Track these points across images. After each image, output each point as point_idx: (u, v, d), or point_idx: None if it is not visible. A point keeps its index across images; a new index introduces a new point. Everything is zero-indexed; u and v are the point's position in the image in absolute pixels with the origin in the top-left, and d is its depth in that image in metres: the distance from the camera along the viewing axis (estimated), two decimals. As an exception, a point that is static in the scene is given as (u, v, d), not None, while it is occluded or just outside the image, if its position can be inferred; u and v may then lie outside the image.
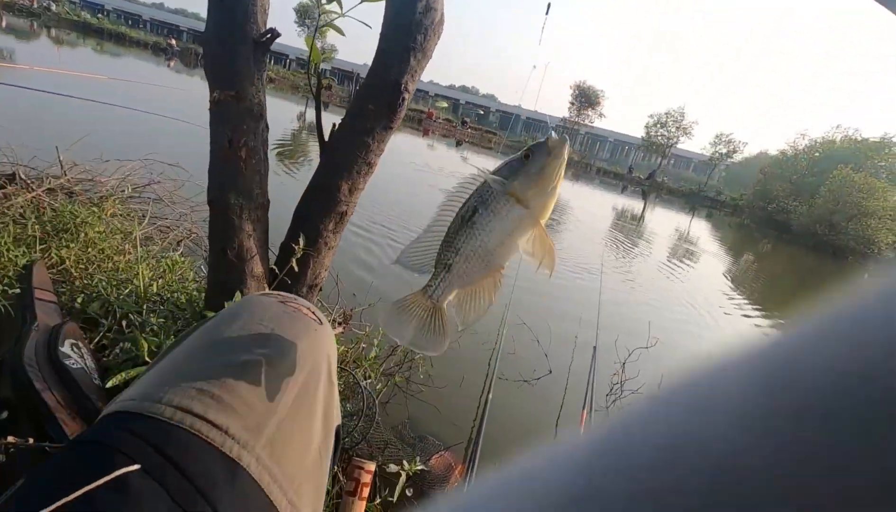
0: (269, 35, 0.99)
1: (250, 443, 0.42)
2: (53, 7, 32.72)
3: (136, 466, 0.37)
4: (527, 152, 0.42)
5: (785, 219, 24.58)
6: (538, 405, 2.43)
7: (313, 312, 0.60)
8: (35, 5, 32.20)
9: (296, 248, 1.02)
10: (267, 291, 0.61)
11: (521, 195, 0.42)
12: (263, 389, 0.46)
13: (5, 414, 0.90)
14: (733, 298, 6.20)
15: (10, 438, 0.85)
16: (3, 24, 19.99)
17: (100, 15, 38.55)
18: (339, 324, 1.67)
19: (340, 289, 2.23)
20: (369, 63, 1.06)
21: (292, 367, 0.50)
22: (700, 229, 15.52)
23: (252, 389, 0.46)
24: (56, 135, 3.18)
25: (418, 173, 9.50)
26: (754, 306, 6.03)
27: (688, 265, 8.02)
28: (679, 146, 35.41)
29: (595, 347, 2.53)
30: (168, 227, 2.66)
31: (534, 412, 2.37)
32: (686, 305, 5.28)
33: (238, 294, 0.95)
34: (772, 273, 10.77)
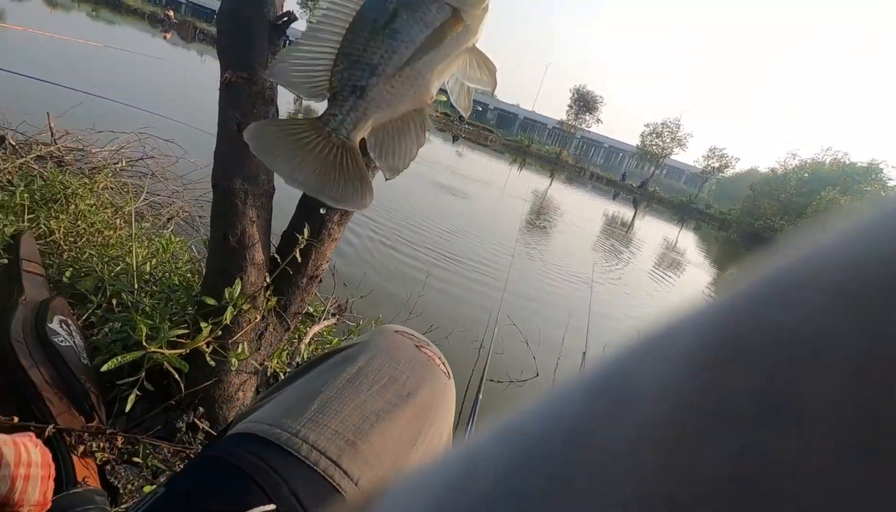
0: (286, 18, 0.97)
1: None
2: (49, -32, 31.82)
3: (271, 507, 0.36)
4: None
5: (771, 236, 24.98)
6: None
7: (443, 363, 0.58)
8: (29, -36, 31.30)
9: (300, 237, 1.00)
10: (399, 328, 0.59)
11: (457, 1, 0.31)
12: (395, 441, 0.45)
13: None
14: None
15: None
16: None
17: (97, -20, 37.54)
18: (333, 315, 1.65)
19: (336, 280, 2.20)
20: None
21: (423, 421, 0.49)
22: (688, 241, 15.72)
23: (384, 441, 0.44)
24: (48, 101, 3.09)
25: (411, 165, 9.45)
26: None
27: (674, 276, 8.12)
28: (673, 157, 35.74)
29: (584, 353, 2.54)
30: (160, 204, 2.61)
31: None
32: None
33: (238, 283, 0.93)
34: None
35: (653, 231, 14.55)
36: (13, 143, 2.48)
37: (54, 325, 1.00)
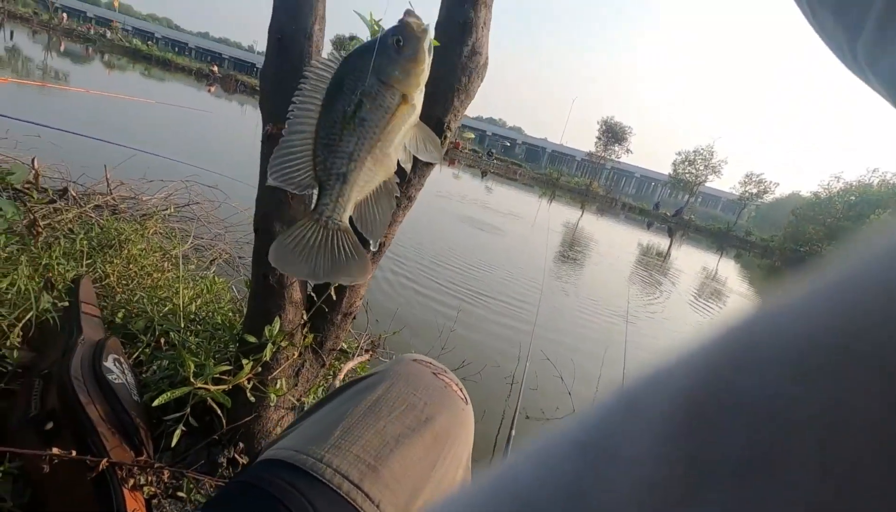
0: (321, 73, 1.05)
1: None
2: (108, 34, 34.91)
3: None
4: (396, 39, 0.36)
5: (819, 263, 23.78)
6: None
7: (461, 390, 0.60)
8: (92, 31, 34.41)
9: (334, 276, 1.05)
10: (417, 357, 0.62)
11: (402, 84, 0.36)
12: (414, 466, 0.47)
13: (51, 425, 0.93)
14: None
15: (55, 450, 0.88)
16: (62, 47, 21.38)
17: (149, 42, 40.89)
18: (367, 351, 1.68)
19: (369, 316, 2.25)
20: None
21: (441, 446, 0.50)
22: (729, 270, 15.17)
23: (404, 465, 0.46)
24: (105, 155, 3.34)
25: (439, 199, 9.60)
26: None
27: (717, 306, 7.82)
28: (707, 185, 34.99)
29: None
30: (204, 247, 2.75)
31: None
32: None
33: (277, 321, 0.98)
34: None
35: (691, 260, 14.15)
36: (74, 195, 2.69)
37: (109, 363, 1.07)
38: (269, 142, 1.02)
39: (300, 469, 0.42)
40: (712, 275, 12.25)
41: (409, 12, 0.33)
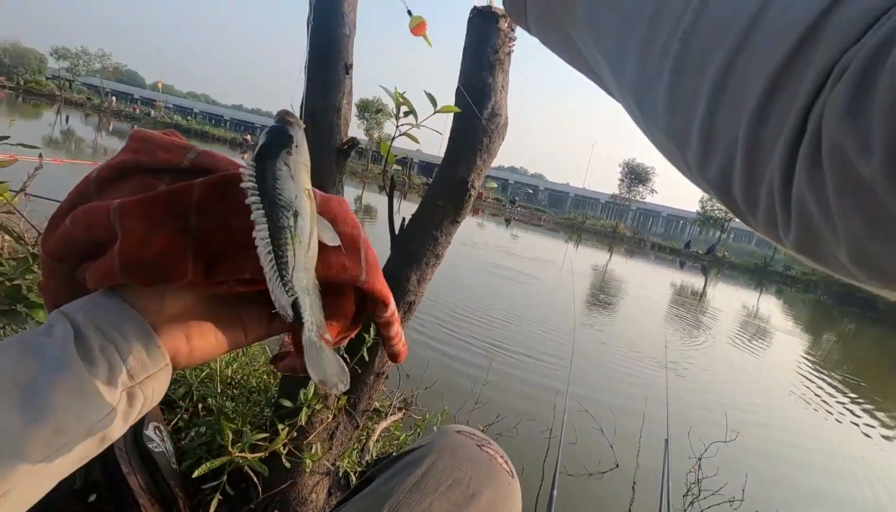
0: (349, 144, 1.10)
1: None
2: (152, 113, 37.83)
3: None
4: (285, 144, 0.36)
5: (868, 294, 22.55)
6: (607, 502, 2.24)
7: (507, 462, 0.60)
8: (137, 111, 37.37)
9: (366, 337, 1.06)
10: (461, 428, 0.63)
11: (307, 181, 0.35)
12: None
13: (94, 497, 0.94)
14: (813, 382, 5.61)
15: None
16: (111, 127, 23.19)
17: (188, 117, 44.03)
18: (399, 409, 1.66)
19: (400, 374, 2.23)
20: (422, 149, 1.15)
21: None
22: (771, 305, 14.52)
23: None
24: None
25: (465, 248, 9.66)
26: (847, 396, 5.42)
27: (761, 347, 7.44)
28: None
29: (667, 440, 2.34)
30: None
31: (602, 509, 2.18)
32: (765, 393, 4.83)
33: (311, 384, 0.98)
34: (861, 357, 9.75)
35: (729, 299, 13.64)
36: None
37: (149, 431, 1.09)
38: (302, 210, 1.07)
39: None
40: (754, 313, 11.73)
41: (284, 112, 0.37)
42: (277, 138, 0.36)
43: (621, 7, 0.24)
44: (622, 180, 38.52)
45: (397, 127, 0.99)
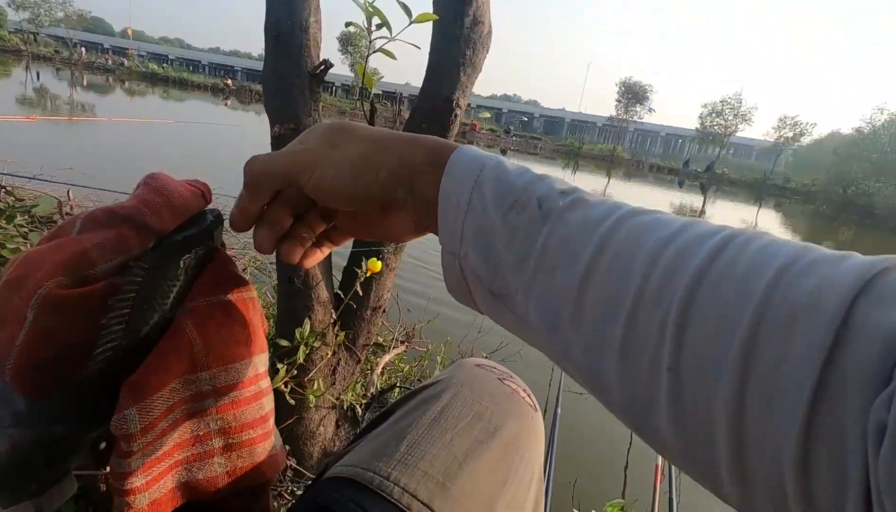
0: (322, 67, 1.02)
1: None
2: (126, 62, 36.02)
3: None
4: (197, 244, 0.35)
5: (867, 202, 22.56)
6: (610, 421, 2.32)
7: (529, 396, 0.57)
8: (110, 62, 35.58)
9: (359, 272, 1.03)
10: (480, 361, 0.60)
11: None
12: (485, 481, 0.44)
13: (104, 445, 0.96)
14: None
15: (109, 469, 0.91)
16: (85, 82, 22.20)
17: (164, 64, 41.93)
18: (402, 342, 1.68)
19: (400, 307, 2.24)
20: (411, 82, 1.07)
21: (511, 458, 0.48)
22: (769, 220, 14.54)
23: (474, 480, 0.44)
24: (136, 179, 3.44)
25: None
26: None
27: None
28: (738, 134, 33.45)
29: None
30: (234, 256, 2.80)
31: (605, 428, 2.27)
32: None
33: (307, 322, 0.97)
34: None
35: (727, 215, 13.61)
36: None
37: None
38: (279, 142, 1.01)
39: (367, 488, 0.40)
40: (752, 228, 11.75)
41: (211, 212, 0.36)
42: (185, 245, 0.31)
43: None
44: (619, 101, 37.30)
45: (370, 42, 0.91)
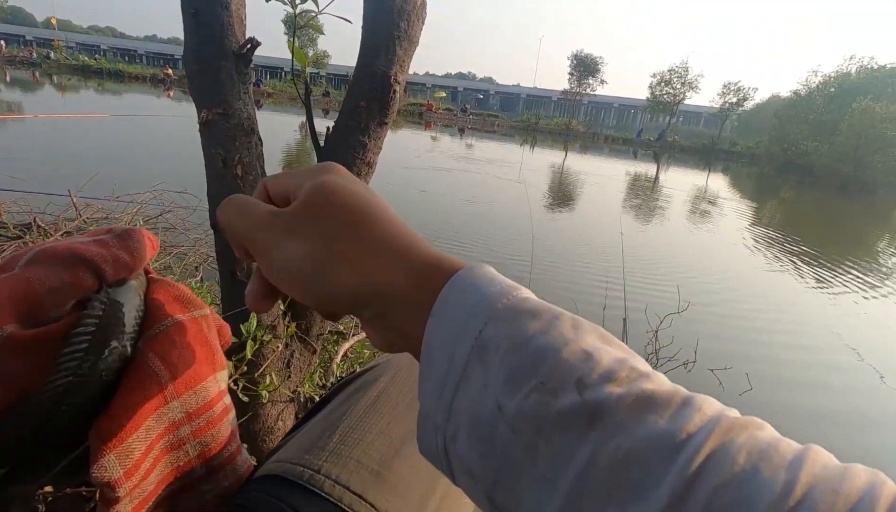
0: (248, 46, 0.96)
1: None
2: (52, 55, 33.46)
3: None
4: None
5: (806, 161, 23.81)
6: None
7: None
8: (34, 55, 32.97)
9: (305, 259, 0.99)
10: None
11: None
12: (424, 466, 0.42)
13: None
14: (759, 247, 6.01)
15: (47, 488, 0.85)
16: (8, 78, 20.53)
17: (97, 56, 39.28)
18: (362, 329, 1.65)
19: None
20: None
21: None
22: (719, 184, 15.12)
23: (412, 466, 0.42)
24: (67, 178, 3.23)
25: (419, 171, 9.44)
26: (787, 251, 5.84)
27: (708, 225, 7.82)
28: (687, 102, 34.45)
29: (624, 319, 2.46)
30: (185, 255, 2.68)
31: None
32: (712, 264, 5.15)
33: (253, 316, 0.93)
34: (797, 223, 10.45)
35: (679, 181, 14.08)
36: (41, 225, 2.61)
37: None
38: (208, 128, 0.95)
39: (296, 484, 0.38)
40: (703, 193, 12.20)
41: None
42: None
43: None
44: (572, 74, 37.63)
45: (294, 17, 0.86)
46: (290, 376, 1.09)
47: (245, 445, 0.42)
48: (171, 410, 0.32)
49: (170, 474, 0.34)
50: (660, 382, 0.20)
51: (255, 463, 0.49)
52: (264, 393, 0.97)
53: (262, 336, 0.98)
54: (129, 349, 0.30)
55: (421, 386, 0.23)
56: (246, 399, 0.98)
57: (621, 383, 0.19)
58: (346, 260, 0.24)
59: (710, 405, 0.19)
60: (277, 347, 1.02)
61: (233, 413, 0.39)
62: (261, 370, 1.00)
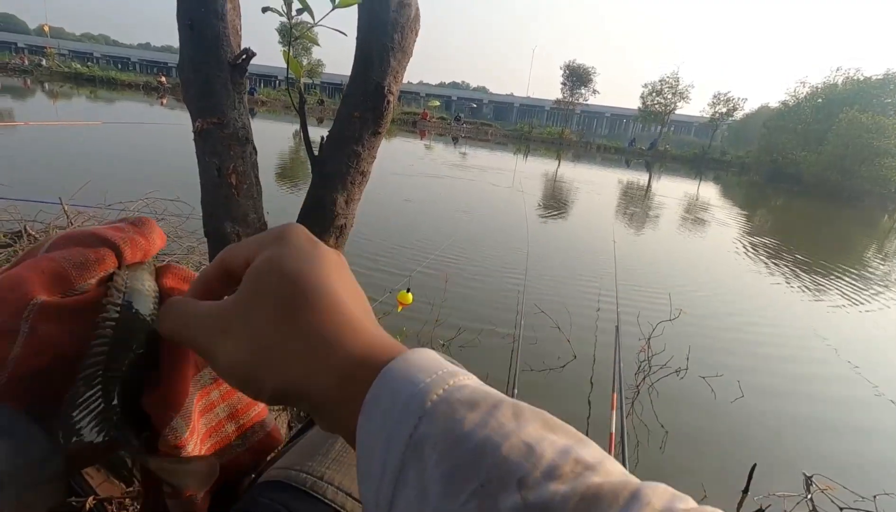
0: (244, 56, 0.97)
1: None
2: (44, 62, 33.30)
3: None
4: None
5: (795, 171, 24.12)
6: (568, 392, 2.39)
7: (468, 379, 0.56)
8: (26, 63, 32.80)
9: (299, 268, 1.00)
10: (415, 349, 0.58)
11: None
12: None
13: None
14: (748, 254, 6.07)
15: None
16: (0, 86, 20.40)
17: (89, 63, 39.11)
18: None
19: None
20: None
21: None
22: (710, 192, 15.28)
23: None
24: (58, 186, 3.21)
25: (410, 178, 9.47)
26: (778, 259, 5.90)
27: (700, 232, 7.89)
28: (678, 112, 34.84)
29: (617, 327, 2.48)
30: (178, 262, 2.67)
31: (564, 400, 2.33)
32: (704, 271, 5.19)
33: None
34: (787, 231, 10.57)
35: (671, 189, 14.21)
36: (32, 233, 2.59)
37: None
38: (202, 137, 0.95)
39: (299, 490, 0.38)
40: (694, 202, 12.32)
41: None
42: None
43: None
44: (564, 84, 37.94)
45: (290, 28, 0.87)
46: (283, 385, 1.09)
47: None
48: (203, 377, 0.36)
49: (206, 434, 0.38)
50: (607, 473, 0.19)
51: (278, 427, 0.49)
52: (257, 401, 0.97)
53: (255, 344, 0.98)
54: (154, 323, 0.31)
55: (360, 487, 0.21)
56: (239, 408, 0.98)
57: (565, 480, 0.18)
58: (271, 362, 0.23)
59: (659, 497, 0.17)
60: (271, 356, 1.02)
61: None
62: (254, 379, 1.00)
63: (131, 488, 0.89)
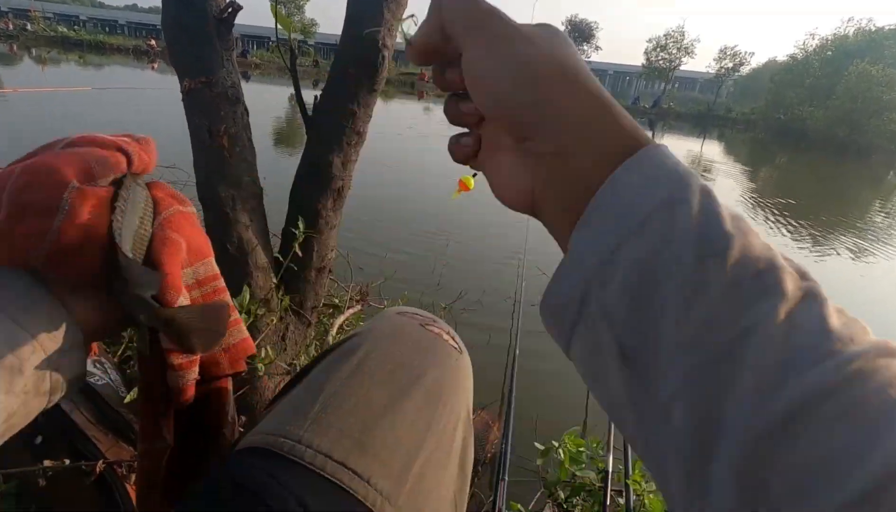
0: (230, 9, 0.92)
1: (393, 494, 0.39)
2: (29, 26, 32.26)
3: None
4: None
5: (801, 127, 23.69)
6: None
7: (453, 338, 0.55)
8: (10, 27, 31.78)
9: (296, 232, 0.98)
10: (402, 309, 0.57)
11: None
12: (406, 431, 0.42)
13: (39, 439, 0.91)
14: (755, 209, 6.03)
15: (47, 462, 0.86)
16: (-16, 51, 19.82)
17: (76, 27, 37.92)
18: (357, 301, 1.65)
19: (352, 266, 2.20)
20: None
21: (434, 404, 0.46)
22: (713, 151, 15.04)
23: (394, 432, 0.42)
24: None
25: (409, 142, 9.31)
26: (782, 216, 5.86)
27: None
28: (682, 68, 33.92)
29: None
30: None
31: (566, 359, 2.35)
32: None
33: (246, 290, 0.92)
34: (789, 191, 10.47)
35: (675, 146, 13.96)
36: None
37: (88, 366, 1.03)
38: (190, 98, 0.92)
39: (278, 454, 0.38)
40: (697, 160, 12.15)
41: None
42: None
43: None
44: (566, 40, 36.85)
45: (276, -24, 0.82)
46: (285, 349, 1.09)
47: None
48: (185, 275, 0.38)
49: None
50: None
51: (241, 430, 0.49)
52: (260, 366, 0.97)
53: (255, 310, 0.98)
54: (150, 228, 0.35)
55: (576, 233, 0.23)
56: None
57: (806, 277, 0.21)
58: (571, 85, 0.25)
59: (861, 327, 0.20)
60: (272, 321, 1.02)
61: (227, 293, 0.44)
62: (256, 344, 1.00)
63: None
